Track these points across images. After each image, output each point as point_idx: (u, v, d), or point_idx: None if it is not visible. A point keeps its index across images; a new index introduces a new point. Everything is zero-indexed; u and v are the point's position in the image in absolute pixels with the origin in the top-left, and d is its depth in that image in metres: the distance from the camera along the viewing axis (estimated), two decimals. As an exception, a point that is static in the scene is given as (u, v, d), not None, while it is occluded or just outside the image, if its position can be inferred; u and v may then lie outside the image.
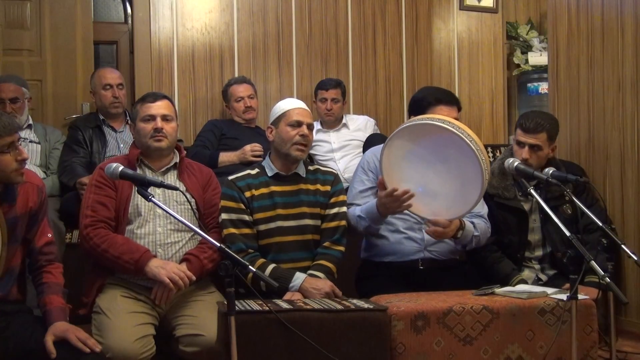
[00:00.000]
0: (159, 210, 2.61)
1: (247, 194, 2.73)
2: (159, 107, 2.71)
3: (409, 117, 2.93)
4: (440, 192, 2.58)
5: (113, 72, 3.89)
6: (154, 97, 2.75)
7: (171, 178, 2.74)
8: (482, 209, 2.94)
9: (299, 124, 2.73)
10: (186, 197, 2.64)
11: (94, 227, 2.56)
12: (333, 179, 2.87)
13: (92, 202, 2.60)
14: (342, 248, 2.80)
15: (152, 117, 2.68)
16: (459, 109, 2.94)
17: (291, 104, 2.81)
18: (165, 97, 2.78)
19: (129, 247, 2.52)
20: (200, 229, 2.26)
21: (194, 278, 2.53)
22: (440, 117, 2.53)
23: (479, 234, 2.85)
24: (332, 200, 2.83)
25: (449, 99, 2.92)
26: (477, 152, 2.39)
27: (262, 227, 2.73)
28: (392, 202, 2.59)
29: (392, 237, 2.91)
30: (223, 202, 2.74)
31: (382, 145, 2.65)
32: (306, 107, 2.83)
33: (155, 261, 2.52)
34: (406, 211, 2.69)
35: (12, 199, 2.24)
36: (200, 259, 2.61)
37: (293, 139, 2.72)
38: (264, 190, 2.75)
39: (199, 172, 2.83)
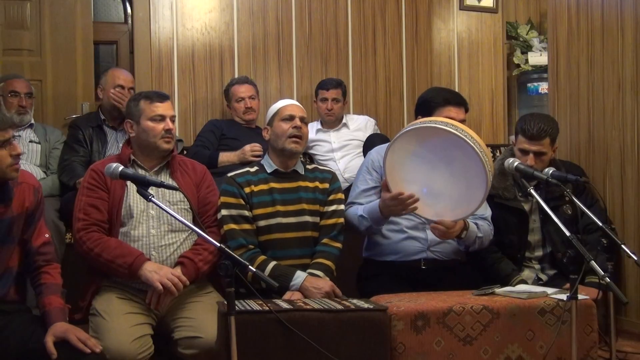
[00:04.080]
0: (152, 212, 2.60)
1: (247, 189, 2.74)
2: (167, 108, 2.69)
3: (416, 118, 2.93)
4: (444, 194, 2.58)
5: (128, 75, 3.87)
6: (162, 97, 2.71)
7: (164, 177, 2.69)
8: (486, 211, 2.94)
9: (291, 118, 2.78)
10: (187, 198, 2.59)
11: (87, 231, 2.53)
12: (331, 177, 2.89)
13: (84, 204, 2.57)
14: (339, 245, 2.81)
15: (162, 118, 2.65)
16: (467, 110, 2.94)
17: (284, 102, 2.88)
18: (168, 97, 2.76)
19: (122, 251, 2.50)
20: (199, 229, 2.23)
21: (187, 283, 2.51)
22: (445, 120, 2.54)
23: (482, 235, 2.85)
24: (331, 197, 2.84)
25: (457, 100, 2.93)
26: (480, 155, 2.41)
27: (262, 223, 2.73)
28: (397, 205, 2.61)
29: (395, 237, 2.91)
30: (223, 198, 2.73)
31: (386, 145, 2.65)
32: (299, 104, 2.90)
33: (149, 264, 2.48)
34: None
35: (8, 199, 2.24)
36: (195, 262, 2.57)
37: (287, 132, 2.75)
38: (263, 187, 2.76)
39: (192, 170, 2.77)
